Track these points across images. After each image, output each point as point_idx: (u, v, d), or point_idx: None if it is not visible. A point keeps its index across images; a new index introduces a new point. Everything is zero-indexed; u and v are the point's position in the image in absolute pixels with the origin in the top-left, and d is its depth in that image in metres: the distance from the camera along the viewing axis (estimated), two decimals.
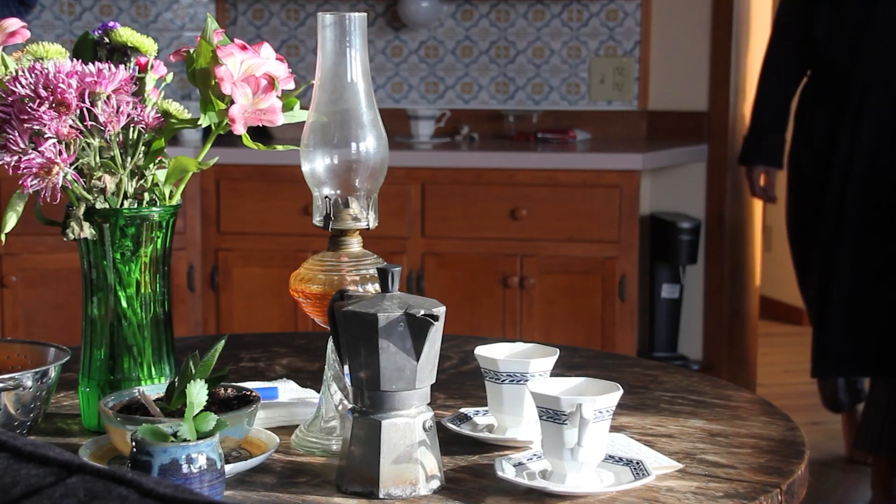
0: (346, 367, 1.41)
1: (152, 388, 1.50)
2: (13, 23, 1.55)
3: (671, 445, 1.55)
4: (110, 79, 1.48)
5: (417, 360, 1.36)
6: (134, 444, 1.26)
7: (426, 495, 1.37)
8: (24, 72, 1.47)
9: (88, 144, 1.50)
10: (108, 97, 1.49)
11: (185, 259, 3.99)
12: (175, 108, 1.56)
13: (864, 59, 3.62)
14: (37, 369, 1.50)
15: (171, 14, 4.52)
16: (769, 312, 5.68)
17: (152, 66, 1.59)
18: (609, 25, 4.36)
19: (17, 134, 1.45)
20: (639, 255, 3.91)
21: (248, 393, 1.49)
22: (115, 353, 1.58)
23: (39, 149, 1.45)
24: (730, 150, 4.25)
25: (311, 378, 1.82)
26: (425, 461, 1.38)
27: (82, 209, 1.53)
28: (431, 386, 1.40)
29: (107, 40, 1.60)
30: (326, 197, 1.52)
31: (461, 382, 1.84)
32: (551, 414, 1.37)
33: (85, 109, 1.47)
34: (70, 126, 1.46)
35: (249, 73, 1.48)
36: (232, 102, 1.48)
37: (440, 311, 1.36)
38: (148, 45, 1.59)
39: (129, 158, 1.54)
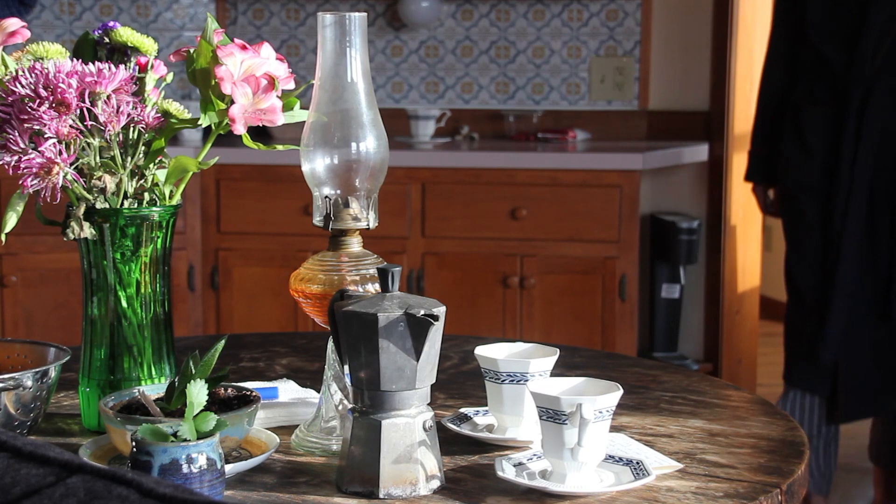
0: (346, 367, 1.41)
1: (152, 388, 1.50)
2: (13, 23, 1.55)
3: (671, 445, 1.55)
4: (110, 79, 1.48)
5: (417, 360, 1.36)
6: (134, 444, 1.26)
7: (426, 495, 1.37)
8: (24, 72, 1.47)
9: (88, 144, 1.50)
10: (108, 97, 1.49)
11: (185, 259, 3.99)
12: (175, 108, 1.56)
13: (861, 57, 3.35)
14: (37, 369, 1.50)
15: (171, 14, 4.52)
16: (769, 312, 5.67)
17: (152, 66, 1.59)
18: (609, 25, 4.36)
19: (17, 134, 1.45)
20: (639, 255, 3.91)
21: (248, 393, 1.49)
22: (116, 353, 1.58)
23: (39, 149, 1.45)
24: (730, 150, 4.25)
25: (311, 378, 1.82)
26: (425, 461, 1.38)
27: (82, 209, 1.53)
28: (431, 386, 1.40)
29: (107, 40, 1.60)
30: (326, 197, 1.52)
31: (461, 382, 1.84)
32: (551, 414, 1.37)
33: (85, 109, 1.47)
34: (70, 126, 1.46)
35: (249, 72, 1.48)
36: (232, 102, 1.48)
37: (440, 311, 1.36)
38: (148, 45, 1.59)
39: (129, 158, 1.54)
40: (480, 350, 1.57)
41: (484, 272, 3.92)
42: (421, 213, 3.92)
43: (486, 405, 1.59)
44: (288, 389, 1.73)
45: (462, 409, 1.63)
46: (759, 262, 4.54)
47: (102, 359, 1.58)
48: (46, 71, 1.46)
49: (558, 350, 1.58)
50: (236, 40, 1.50)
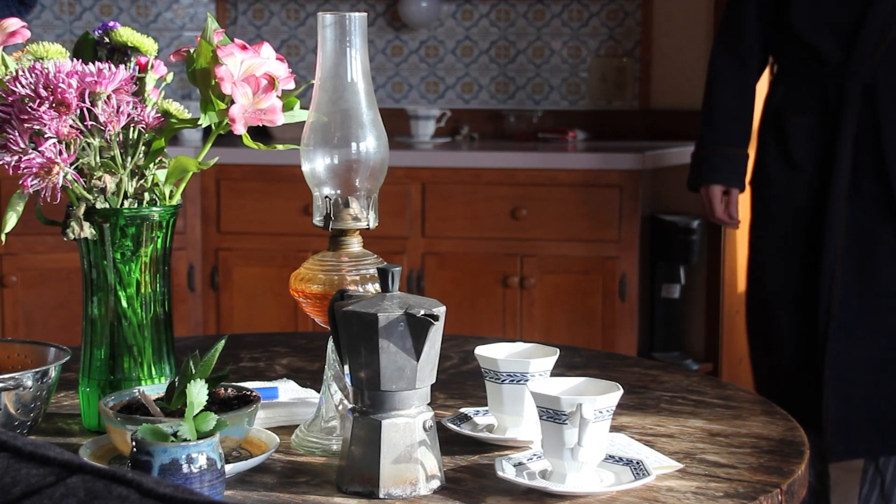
0: (346, 367, 1.41)
1: (152, 388, 1.50)
2: (13, 23, 1.55)
3: (671, 445, 1.55)
4: (110, 79, 1.48)
5: (417, 360, 1.36)
6: (134, 443, 1.26)
7: (426, 495, 1.37)
8: (24, 72, 1.47)
9: (88, 144, 1.50)
10: (109, 97, 1.49)
11: (185, 259, 3.99)
12: (175, 107, 1.56)
13: (860, 51, 2.91)
14: (37, 369, 1.50)
15: (171, 14, 4.51)
16: None
17: (152, 66, 1.59)
18: (609, 25, 4.36)
19: (17, 134, 1.45)
20: (639, 255, 3.91)
21: (248, 393, 1.49)
22: (116, 353, 1.58)
23: (39, 149, 1.45)
24: None
25: (311, 378, 1.82)
26: (425, 461, 1.38)
27: (82, 209, 1.53)
28: (431, 386, 1.40)
29: (107, 40, 1.60)
30: (326, 197, 1.52)
31: (461, 382, 1.84)
32: (551, 414, 1.37)
33: (85, 109, 1.47)
34: (70, 126, 1.46)
35: (249, 72, 1.48)
36: (232, 102, 1.48)
37: (440, 310, 1.36)
38: (148, 44, 1.59)
39: (129, 158, 1.54)
40: (480, 350, 1.57)
41: (484, 272, 3.92)
42: (421, 213, 3.92)
43: (486, 405, 1.59)
44: (288, 389, 1.73)
45: (462, 409, 1.63)
46: None
47: (102, 359, 1.58)
48: (46, 71, 1.46)
49: (558, 350, 1.58)
50: (236, 40, 1.50)
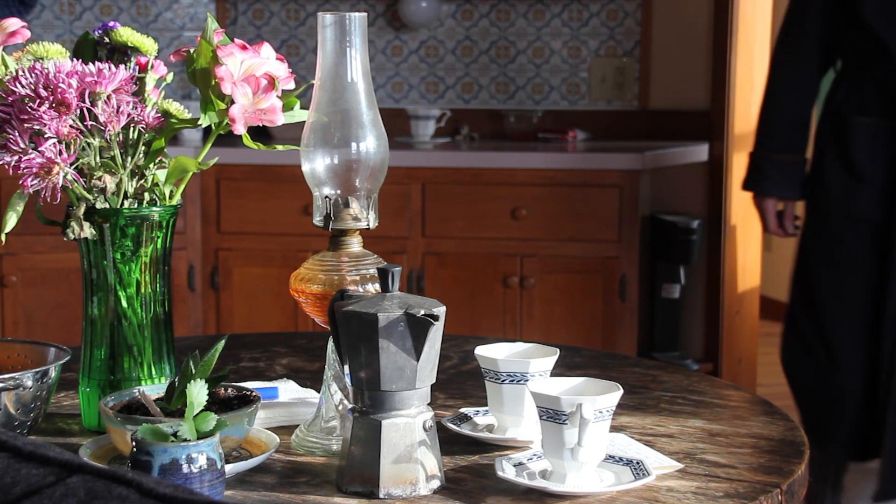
0: (346, 367, 1.41)
1: (152, 388, 1.50)
2: (13, 23, 1.55)
3: (671, 445, 1.55)
4: (110, 79, 1.48)
5: (417, 360, 1.36)
6: (134, 443, 1.26)
7: (426, 495, 1.37)
8: (24, 72, 1.47)
9: (88, 144, 1.50)
10: (109, 97, 1.48)
11: (185, 259, 3.99)
12: (175, 108, 1.56)
13: None
14: (37, 369, 1.50)
15: (171, 14, 4.51)
16: (769, 312, 5.67)
17: (152, 66, 1.59)
18: (609, 25, 4.36)
19: (17, 134, 1.45)
20: (639, 255, 3.91)
21: (248, 393, 1.49)
22: (116, 353, 1.58)
23: (39, 149, 1.45)
24: (730, 150, 4.25)
25: (311, 378, 1.82)
26: (425, 461, 1.38)
27: (82, 209, 1.53)
28: (431, 386, 1.40)
29: (107, 40, 1.60)
30: (326, 197, 1.52)
31: (461, 382, 1.84)
32: (551, 414, 1.37)
33: (85, 109, 1.47)
34: (70, 126, 1.46)
35: (249, 72, 1.48)
36: (232, 102, 1.48)
37: (440, 310, 1.36)
38: (148, 44, 1.59)
39: (129, 158, 1.53)
40: (480, 350, 1.57)
41: (484, 272, 3.92)
42: (421, 213, 3.92)
43: (486, 405, 1.59)
44: (288, 389, 1.73)
45: (462, 409, 1.63)
46: (760, 262, 4.53)
47: (102, 359, 1.58)
48: (46, 71, 1.46)
49: (558, 350, 1.58)
50: (236, 40, 1.50)
